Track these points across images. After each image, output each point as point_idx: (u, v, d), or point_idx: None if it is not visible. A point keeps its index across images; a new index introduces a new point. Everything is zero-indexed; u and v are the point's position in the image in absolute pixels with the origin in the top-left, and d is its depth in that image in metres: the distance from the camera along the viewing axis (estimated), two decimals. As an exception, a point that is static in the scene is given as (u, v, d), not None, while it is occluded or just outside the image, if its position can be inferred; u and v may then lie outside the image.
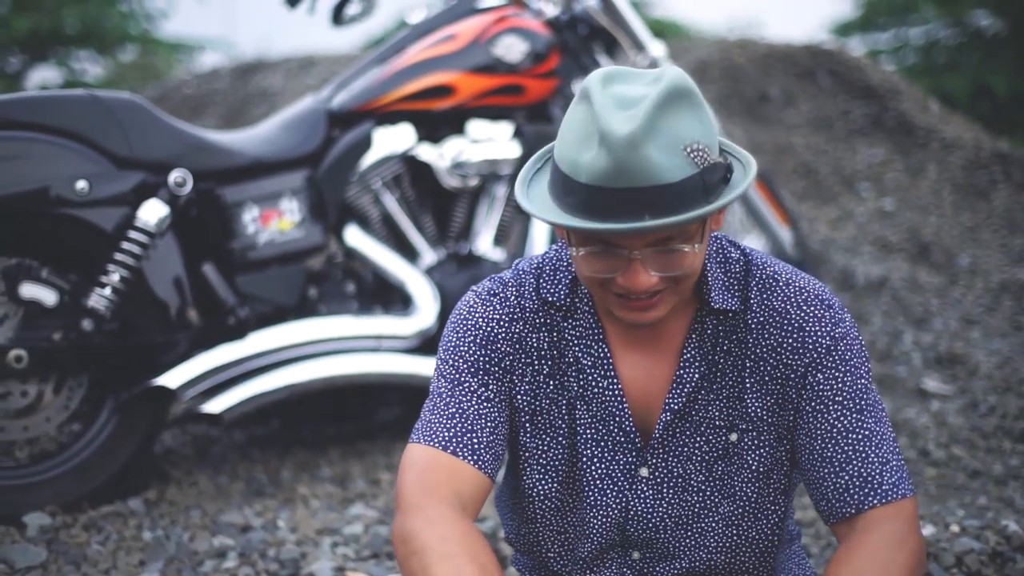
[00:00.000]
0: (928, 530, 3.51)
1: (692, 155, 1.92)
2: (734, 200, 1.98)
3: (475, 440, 2.16)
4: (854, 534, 2.09)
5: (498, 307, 2.25)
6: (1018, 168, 8.88)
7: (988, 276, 7.28)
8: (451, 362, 2.23)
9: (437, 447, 2.15)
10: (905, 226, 8.00)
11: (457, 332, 2.25)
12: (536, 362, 2.24)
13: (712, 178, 1.95)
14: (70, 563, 3.44)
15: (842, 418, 2.13)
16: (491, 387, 2.21)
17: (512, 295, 2.26)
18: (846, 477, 2.11)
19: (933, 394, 5.43)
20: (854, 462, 2.11)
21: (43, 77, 19.31)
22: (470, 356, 2.22)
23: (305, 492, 4.23)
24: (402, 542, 2.06)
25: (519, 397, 2.24)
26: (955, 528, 3.55)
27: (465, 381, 2.21)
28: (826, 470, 2.13)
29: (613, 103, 1.94)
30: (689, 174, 1.92)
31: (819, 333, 2.16)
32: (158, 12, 19.82)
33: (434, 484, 2.11)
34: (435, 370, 2.26)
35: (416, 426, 2.21)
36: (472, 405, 2.19)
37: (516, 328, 2.24)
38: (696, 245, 2.01)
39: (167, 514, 3.95)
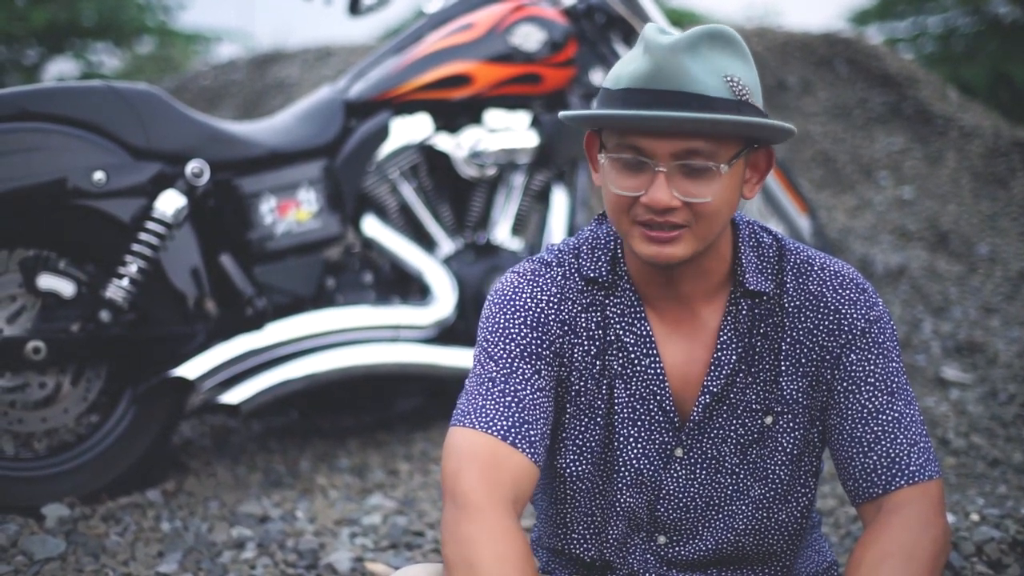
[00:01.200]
0: (948, 519, 3.50)
1: (730, 84, 2.00)
2: (769, 126, 2.01)
3: (532, 432, 2.12)
4: (880, 516, 2.10)
5: (544, 287, 2.23)
6: (1038, 156, 8.86)
7: (1007, 264, 7.25)
8: (503, 345, 2.18)
9: (497, 436, 2.10)
10: (924, 215, 7.97)
11: (505, 313, 2.21)
12: (585, 342, 2.22)
13: (747, 113, 2.01)
14: (89, 554, 3.45)
15: (873, 399, 2.15)
16: (543, 374, 2.18)
17: (558, 275, 2.24)
18: (874, 457, 2.12)
19: (952, 383, 5.42)
20: (883, 442, 2.13)
21: (60, 69, 19.35)
22: (522, 339, 2.19)
23: (323, 483, 4.23)
24: (457, 544, 2.02)
25: (569, 379, 2.23)
26: (975, 517, 3.54)
27: (519, 368, 2.17)
28: (855, 450, 2.15)
29: (665, 36, 2.03)
30: (724, 96, 1.99)
31: (854, 316, 2.18)
32: (175, 4, 19.81)
33: (497, 483, 2.07)
34: (481, 350, 2.21)
35: (465, 408, 2.16)
36: (528, 394, 2.15)
37: (566, 308, 2.22)
38: (723, 166, 2.02)
39: (185, 505, 3.96)
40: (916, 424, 2.15)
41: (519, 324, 2.20)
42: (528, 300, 2.21)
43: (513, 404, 2.13)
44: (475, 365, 2.22)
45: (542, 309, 2.21)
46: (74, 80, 13.10)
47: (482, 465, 2.08)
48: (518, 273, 2.26)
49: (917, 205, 8.15)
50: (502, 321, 2.21)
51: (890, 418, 2.14)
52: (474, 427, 2.12)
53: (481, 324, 2.25)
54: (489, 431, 2.11)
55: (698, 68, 1.98)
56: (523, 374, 2.16)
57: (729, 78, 2.00)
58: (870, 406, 2.15)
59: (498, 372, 2.17)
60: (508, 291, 2.24)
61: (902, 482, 2.10)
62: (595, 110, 2.05)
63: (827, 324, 2.19)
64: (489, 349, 2.19)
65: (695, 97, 1.97)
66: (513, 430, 2.11)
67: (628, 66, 2.04)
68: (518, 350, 2.18)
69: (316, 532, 3.71)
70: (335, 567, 3.44)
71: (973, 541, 3.36)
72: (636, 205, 2.05)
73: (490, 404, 2.13)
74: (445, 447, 2.15)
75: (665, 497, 2.24)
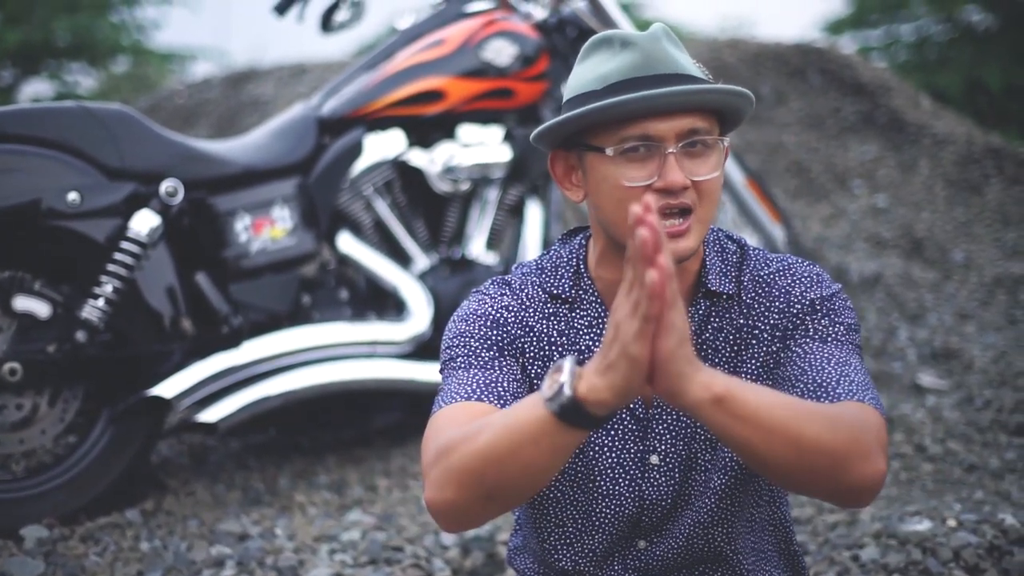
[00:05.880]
0: (925, 525, 3.52)
1: (700, 68, 2.13)
2: (749, 97, 2.11)
3: (501, 389, 2.12)
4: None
5: (503, 300, 2.25)
6: (1010, 162, 8.90)
7: (982, 270, 7.28)
8: (461, 345, 2.19)
9: (459, 401, 2.09)
10: (898, 222, 8.01)
11: (465, 321, 2.23)
12: (547, 348, 2.23)
13: None
14: (68, 575, 3.44)
15: (821, 350, 2.12)
16: (507, 359, 2.19)
17: (517, 291, 2.27)
18: (820, 381, 2.06)
19: (929, 389, 5.44)
20: (829, 376, 2.07)
21: (35, 90, 19.29)
22: (481, 336, 2.20)
23: (302, 500, 4.23)
24: (425, 455, 2.00)
25: (532, 383, 2.23)
26: (952, 522, 3.55)
27: (481, 355, 2.18)
28: (799, 387, 2.08)
29: (634, 33, 2.14)
30: (703, 78, 2.10)
31: (804, 294, 2.19)
32: (150, 23, 19.79)
33: (468, 419, 2.03)
34: (441, 364, 2.23)
35: (434, 406, 2.14)
36: (492, 371, 2.15)
37: (525, 315, 2.24)
38: (722, 142, 2.13)
39: (164, 524, 3.95)
40: (862, 374, 2.09)
41: (478, 326, 2.22)
42: (488, 308, 2.24)
43: (478, 377, 2.14)
44: (441, 377, 2.22)
45: (500, 313, 2.23)
46: (48, 101, 13.05)
47: (451, 417, 2.05)
48: (479, 291, 2.30)
49: (891, 213, 8.19)
50: (462, 328, 2.23)
51: (836, 362, 2.09)
52: (440, 408, 2.11)
53: (442, 342, 2.26)
54: (454, 401, 2.10)
55: (677, 54, 2.09)
56: (484, 360, 2.17)
57: (699, 65, 2.13)
58: (818, 354, 2.11)
59: (460, 365, 2.18)
60: (471, 306, 2.26)
61: (849, 398, 2.01)
62: (599, 103, 2.06)
63: (779, 305, 2.19)
64: (449, 353, 2.21)
65: (686, 77, 2.07)
66: (477, 390, 2.10)
67: (605, 65, 2.10)
68: (477, 344, 2.19)
69: (295, 549, 3.71)
70: (315, 584, 3.44)
71: (950, 547, 3.37)
72: (647, 193, 2.07)
73: (453, 387, 2.13)
74: None
75: (649, 505, 2.25)
